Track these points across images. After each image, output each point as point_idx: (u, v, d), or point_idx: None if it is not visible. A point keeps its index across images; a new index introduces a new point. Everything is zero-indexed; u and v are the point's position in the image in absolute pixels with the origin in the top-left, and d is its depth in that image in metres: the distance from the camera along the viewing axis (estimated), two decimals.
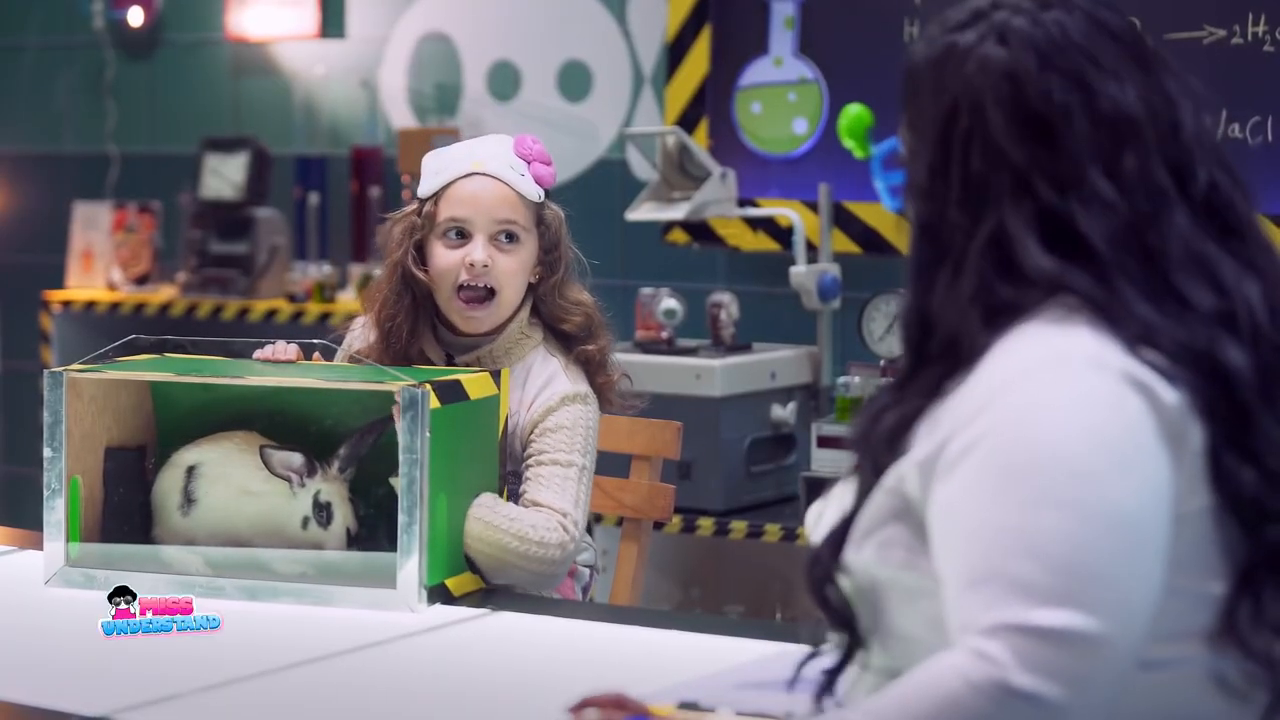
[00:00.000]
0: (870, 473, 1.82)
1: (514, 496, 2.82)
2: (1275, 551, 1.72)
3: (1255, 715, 1.73)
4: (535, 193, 2.89)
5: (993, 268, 1.77)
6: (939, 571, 1.72)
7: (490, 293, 2.86)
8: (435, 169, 2.90)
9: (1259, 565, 1.71)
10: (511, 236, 2.87)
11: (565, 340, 2.94)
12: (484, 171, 2.87)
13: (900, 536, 1.77)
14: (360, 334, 2.98)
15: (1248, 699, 1.73)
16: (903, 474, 1.77)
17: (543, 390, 2.86)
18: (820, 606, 1.86)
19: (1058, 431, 1.67)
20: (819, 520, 1.92)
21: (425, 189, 2.90)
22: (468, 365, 2.87)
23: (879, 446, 1.81)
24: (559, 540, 2.73)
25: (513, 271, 2.86)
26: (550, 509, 2.76)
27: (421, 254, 2.88)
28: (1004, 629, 1.62)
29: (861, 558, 1.81)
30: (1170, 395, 1.69)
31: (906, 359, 1.84)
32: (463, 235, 2.86)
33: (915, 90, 1.85)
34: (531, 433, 2.84)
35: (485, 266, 2.83)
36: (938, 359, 1.79)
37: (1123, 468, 1.66)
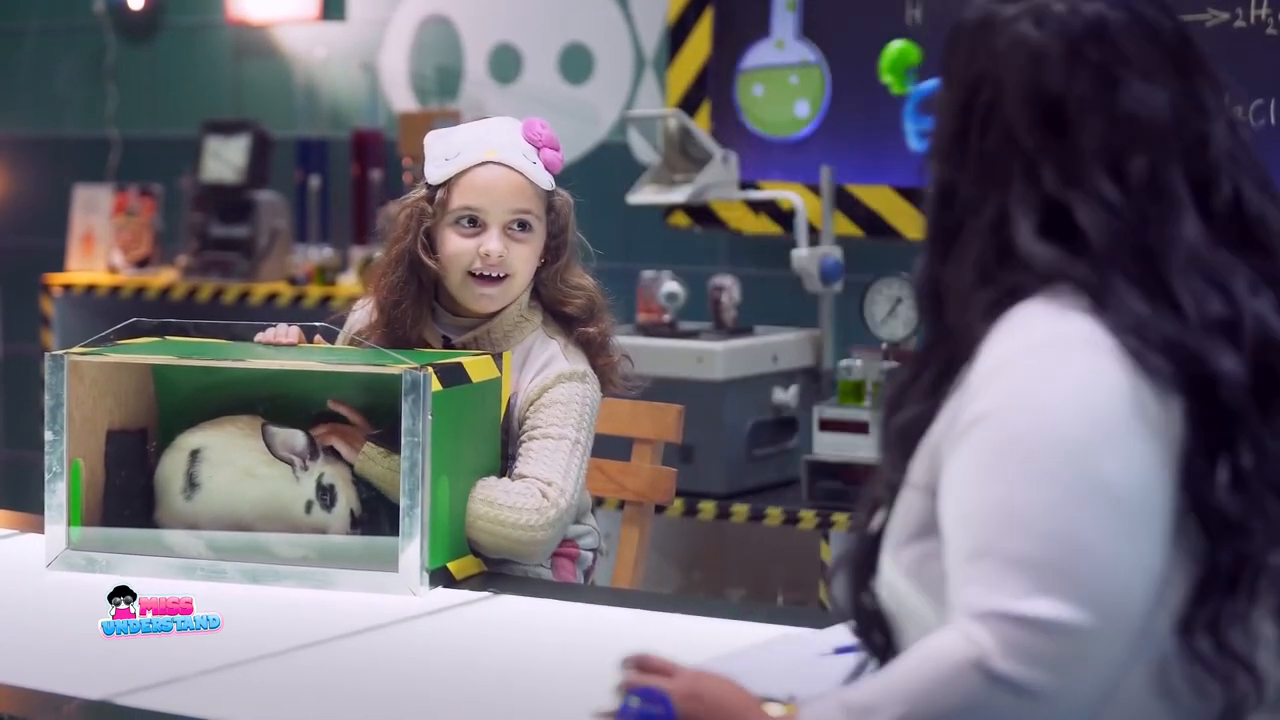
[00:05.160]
0: (898, 460, 1.81)
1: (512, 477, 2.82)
2: (1235, 565, 1.69)
3: None
4: (547, 180, 2.88)
5: (993, 251, 1.76)
6: (944, 542, 1.72)
7: (503, 276, 2.85)
8: (444, 154, 2.88)
9: (1218, 578, 1.69)
10: (524, 225, 2.86)
11: (566, 322, 2.93)
12: (498, 160, 2.86)
13: (936, 551, 1.75)
14: (362, 315, 2.98)
15: (1185, 706, 1.71)
16: (921, 460, 1.77)
17: (541, 372, 2.85)
18: (854, 614, 1.85)
19: (1053, 409, 1.67)
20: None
21: (436, 175, 2.87)
22: (465, 348, 2.86)
23: (899, 440, 1.81)
24: (535, 505, 2.71)
25: (525, 258, 2.86)
26: (534, 478, 2.75)
27: (429, 240, 2.87)
28: (993, 615, 1.63)
29: (898, 573, 1.80)
30: (1159, 386, 1.69)
31: (925, 330, 1.83)
32: (475, 223, 2.85)
33: (953, 50, 1.83)
34: (527, 411, 2.83)
35: (500, 257, 2.83)
36: (949, 335, 1.78)
37: (1118, 446, 1.66)
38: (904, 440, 1.81)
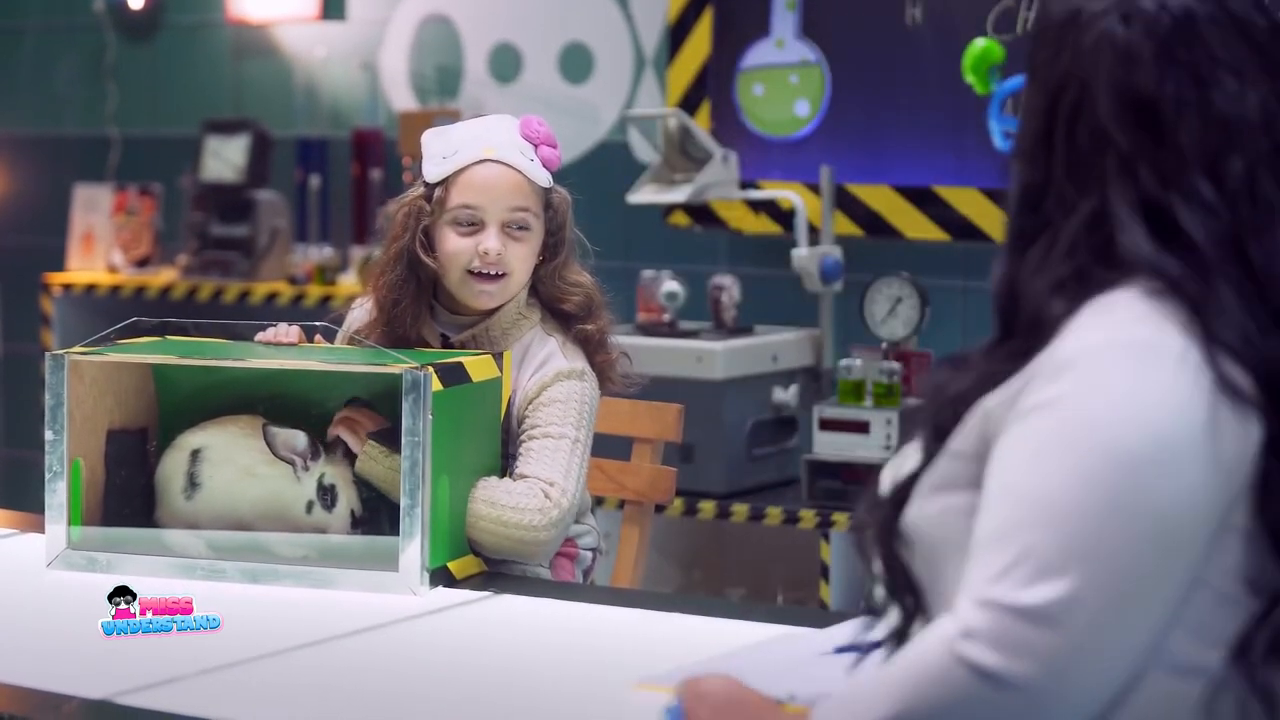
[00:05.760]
0: (934, 434, 1.78)
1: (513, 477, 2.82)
2: None
3: None
4: (545, 178, 2.88)
5: (1089, 249, 1.71)
6: (980, 512, 1.69)
7: (502, 274, 2.85)
8: (442, 152, 2.88)
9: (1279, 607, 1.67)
10: (522, 223, 2.86)
11: (564, 319, 2.93)
12: (496, 159, 2.86)
13: (966, 505, 1.72)
14: (361, 314, 2.98)
15: None
16: (969, 428, 1.74)
17: (539, 369, 2.85)
18: (883, 559, 1.80)
19: (1121, 418, 1.63)
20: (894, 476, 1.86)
21: (434, 173, 2.88)
22: (464, 346, 2.86)
23: (945, 409, 1.77)
24: (538, 505, 2.71)
25: (523, 256, 2.86)
26: (536, 478, 2.75)
27: (428, 238, 2.87)
28: (993, 604, 1.60)
29: (925, 512, 1.77)
30: (1240, 409, 1.65)
31: (995, 329, 1.79)
32: (473, 222, 2.85)
33: (1038, 47, 1.79)
34: (526, 409, 2.83)
35: (499, 255, 2.83)
36: (1022, 333, 1.74)
37: (1174, 469, 1.62)
38: (953, 409, 1.77)
